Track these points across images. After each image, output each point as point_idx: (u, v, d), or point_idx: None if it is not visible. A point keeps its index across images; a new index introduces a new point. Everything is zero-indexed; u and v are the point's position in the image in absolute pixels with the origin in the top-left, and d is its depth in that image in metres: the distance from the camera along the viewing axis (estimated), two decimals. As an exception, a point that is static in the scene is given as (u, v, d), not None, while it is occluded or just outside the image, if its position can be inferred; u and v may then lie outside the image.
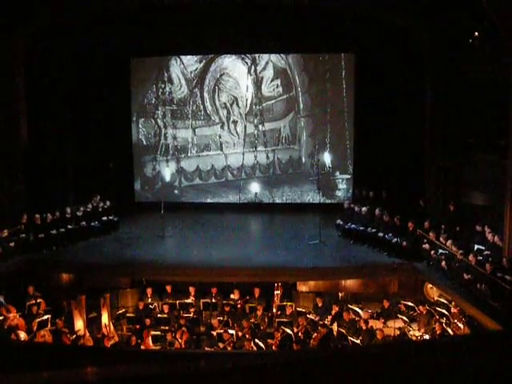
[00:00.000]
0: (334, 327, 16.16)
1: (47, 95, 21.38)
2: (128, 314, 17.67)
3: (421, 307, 16.73)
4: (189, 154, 24.46)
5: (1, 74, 19.33)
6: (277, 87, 23.89)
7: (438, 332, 15.34)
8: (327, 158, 23.46)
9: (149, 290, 18.12)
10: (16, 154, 20.06)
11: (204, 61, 23.97)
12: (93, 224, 20.30)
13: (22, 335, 15.39)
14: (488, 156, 18.36)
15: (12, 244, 17.96)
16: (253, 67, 23.80)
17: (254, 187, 24.20)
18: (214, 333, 16.12)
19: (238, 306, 17.44)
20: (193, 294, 17.87)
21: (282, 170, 24.28)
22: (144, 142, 24.51)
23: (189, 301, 17.65)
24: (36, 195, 20.31)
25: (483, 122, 18.48)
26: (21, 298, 17.32)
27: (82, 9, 20.27)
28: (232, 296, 17.86)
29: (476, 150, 18.73)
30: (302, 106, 23.88)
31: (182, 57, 23.93)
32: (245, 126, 24.11)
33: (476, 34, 17.84)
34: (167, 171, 24.09)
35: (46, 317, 16.28)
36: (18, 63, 19.98)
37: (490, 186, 18.01)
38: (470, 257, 15.16)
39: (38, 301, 17.14)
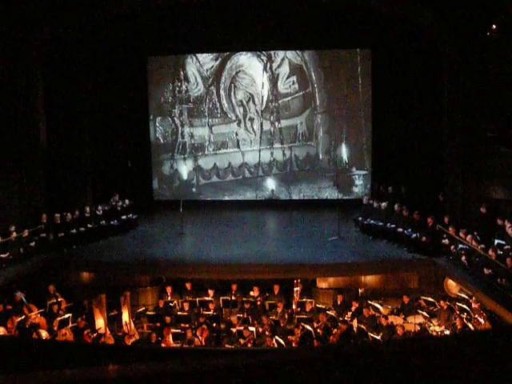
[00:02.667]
0: (354, 323, 16.12)
1: (65, 95, 21.47)
2: (148, 312, 17.71)
3: (441, 302, 16.65)
4: (206, 152, 24.50)
5: (19, 75, 19.41)
6: (293, 84, 23.87)
7: (458, 327, 15.26)
8: (344, 154, 23.43)
9: (169, 288, 18.16)
10: (35, 154, 20.13)
11: (220, 58, 24.02)
12: (112, 223, 20.39)
13: (44, 334, 15.49)
14: (509, 149, 18.21)
15: (32, 244, 18.07)
16: (268, 64, 23.80)
17: (271, 184, 24.19)
18: (234, 330, 16.13)
19: (258, 302, 17.44)
20: (212, 291, 17.90)
21: (298, 166, 24.24)
22: (161, 141, 24.59)
23: (208, 298, 17.68)
24: (55, 195, 20.41)
25: (503, 115, 18.35)
26: (42, 297, 17.44)
27: (100, 9, 20.32)
28: (252, 293, 17.86)
29: (497, 144, 18.58)
30: (318, 102, 23.84)
31: (198, 55, 23.98)
32: (261, 123, 24.11)
33: (494, 26, 17.69)
34: (185, 169, 24.18)
35: (67, 315, 16.36)
36: (36, 63, 20.05)
37: (511, 179, 17.87)
38: (490, 251, 15.06)
39: (59, 300, 17.25)
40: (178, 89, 24.23)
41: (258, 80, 23.91)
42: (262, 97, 23.99)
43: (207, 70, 24.05)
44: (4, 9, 18.06)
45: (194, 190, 24.62)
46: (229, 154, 24.46)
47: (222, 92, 24.14)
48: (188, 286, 18.24)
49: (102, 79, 22.77)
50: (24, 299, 16.83)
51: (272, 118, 23.94)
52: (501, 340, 3.00)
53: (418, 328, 15.76)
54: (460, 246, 16.39)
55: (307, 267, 17.66)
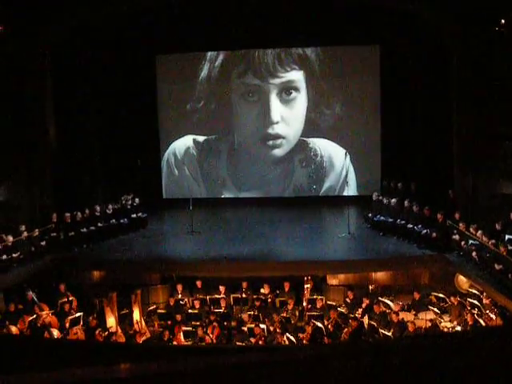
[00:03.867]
0: (365, 320, 16.12)
1: (74, 94, 21.54)
2: (159, 310, 17.74)
3: (452, 298, 16.61)
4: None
5: (28, 74, 19.48)
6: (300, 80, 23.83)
7: (469, 323, 15.22)
8: (353, 150, 23.36)
9: (179, 286, 18.18)
10: (44, 153, 20.21)
11: (229, 56, 23.96)
12: (122, 221, 20.44)
13: (55, 333, 15.55)
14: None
15: (43, 243, 18.14)
16: (276, 61, 23.73)
17: (283, 181, 24.21)
18: (245, 327, 16.15)
19: (269, 300, 17.45)
20: (223, 289, 17.92)
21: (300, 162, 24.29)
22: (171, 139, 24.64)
23: (219, 296, 17.70)
24: (65, 194, 20.48)
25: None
26: (52, 297, 17.50)
27: (108, 7, 20.37)
28: (262, 290, 17.87)
29: (506, 139, 18.51)
30: (325, 99, 23.77)
31: (207, 52, 23.94)
32: (271, 120, 24.05)
33: (502, 21, 17.61)
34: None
35: (78, 314, 16.41)
36: (44, 63, 20.13)
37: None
38: (501, 247, 15.02)
39: (70, 299, 17.30)
40: (187, 87, 24.23)
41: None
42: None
43: (216, 68, 24.01)
44: (13, 9, 18.11)
45: (203, 187, 24.63)
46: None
47: (232, 89, 24.11)
48: (198, 283, 18.25)
49: (111, 78, 22.79)
50: (35, 298, 16.90)
51: (282, 113, 23.90)
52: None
53: (429, 324, 15.74)
54: (470, 241, 16.35)
55: (317, 264, 17.66)
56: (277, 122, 23.68)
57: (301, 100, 23.75)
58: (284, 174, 24.17)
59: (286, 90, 23.64)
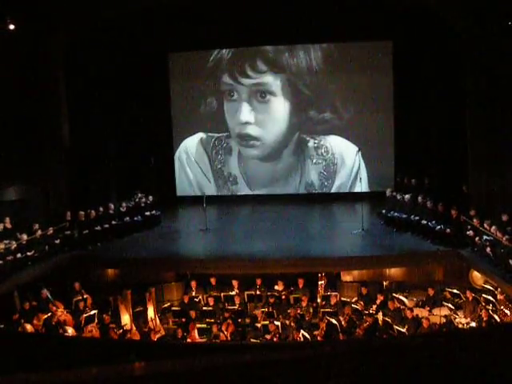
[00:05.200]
0: (380, 316, 16.08)
1: (87, 92, 21.60)
2: (173, 308, 17.79)
3: (467, 294, 16.57)
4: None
5: (41, 73, 19.54)
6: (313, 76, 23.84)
7: (484, 319, 15.17)
8: (367, 146, 23.32)
9: (193, 283, 18.21)
10: (58, 152, 20.29)
11: (241, 53, 23.96)
12: (136, 219, 20.49)
13: (70, 330, 15.62)
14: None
15: (57, 241, 18.21)
16: (290, 57, 23.73)
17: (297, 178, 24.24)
18: (259, 324, 16.16)
19: (283, 297, 17.45)
20: (237, 286, 17.94)
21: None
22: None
23: (233, 293, 17.72)
24: (79, 192, 20.55)
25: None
26: (67, 295, 17.58)
27: (121, 6, 20.41)
28: (276, 287, 17.87)
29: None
30: (338, 95, 23.76)
31: (219, 50, 23.95)
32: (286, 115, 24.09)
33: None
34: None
35: (92, 312, 16.48)
36: (57, 63, 20.20)
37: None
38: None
39: (85, 296, 17.37)
40: (199, 85, 24.26)
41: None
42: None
43: (228, 65, 24.02)
44: (26, 10, 18.17)
45: (215, 185, 24.68)
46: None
47: (245, 86, 24.11)
48: (213, 280, 18.28)
49: (124, 76, 22.86)
50: (50, 296, 16.97)
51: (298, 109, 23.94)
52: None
53: (444, 320, 15.70)
54: (485, 237, 16.28)
55: (331, 261, 17.63)
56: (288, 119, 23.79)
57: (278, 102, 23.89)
58: (295, 171, 24.18)
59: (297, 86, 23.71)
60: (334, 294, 17.32)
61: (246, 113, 23.82)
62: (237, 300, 17.41)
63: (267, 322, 15.87)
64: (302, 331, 15.07)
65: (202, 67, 24.10)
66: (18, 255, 16.70)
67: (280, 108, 23.93)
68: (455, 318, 15.94)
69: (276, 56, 23.69)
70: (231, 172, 24.49)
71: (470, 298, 16.35)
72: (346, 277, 18.59)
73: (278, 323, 15.75)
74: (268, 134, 24.04)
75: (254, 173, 24.44)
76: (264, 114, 23.89)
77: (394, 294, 17.29)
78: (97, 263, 18.99)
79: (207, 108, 24.29)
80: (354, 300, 17.28)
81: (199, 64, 24.16)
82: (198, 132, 24.49)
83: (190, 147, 24.59)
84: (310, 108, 23.85)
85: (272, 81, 23.78)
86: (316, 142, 24.00)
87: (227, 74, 23.88)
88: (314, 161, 24.10)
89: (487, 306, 15.83)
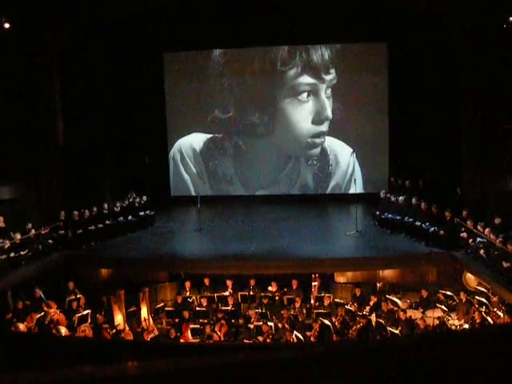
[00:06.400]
0: (373, 318, 16.10)
1: (82, 92, 21.58)
2: (167, 308, 17.78)
3: (460, 296, 16.60)
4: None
5: (36, 72, 19.51)
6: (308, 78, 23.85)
7: (477, 321, 15.20)
8: (360, 148, 23.35)
9: (187, 284, 18.20)
10: (52, 151, 20.26)
11: (236, 53, 23.96)
12: (130, 219, 20.48)
13: (63, 330, 15.59)
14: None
15: (51, 241, 18.18)
16: (285, 59, 23.76)
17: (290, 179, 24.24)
18: (252, 325, 16.16)
19: (276, 298, 17.46)
20: (230, 286, 17.94)
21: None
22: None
23: (227, 294, 17.72)
24: (73, 192, 20.52)
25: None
26: (60, 294, 17.55)
27: (119, 6, 20.40)
28: (270, 288, 17.87)
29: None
30: (333, 97, 23.78)
31: (214, 50, 23.96)
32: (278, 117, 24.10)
33: (511, 18, 17.55)
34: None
35: (86, 312, 16.47)
36: (52, 61, 20.17)
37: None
38: (509, 245, 14.98)
39: (78, 296, 17.35)
40: (194, 85, 24.26)
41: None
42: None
43: (223, 65, 24.03)
44: (20, 8, 18.13)
45: (211, 185, 24.68)
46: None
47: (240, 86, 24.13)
48: (206, 281, 18.27)
49: (119, 75, 22.86)
50: (43, 296, 16.94)
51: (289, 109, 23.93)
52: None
53: (437, 322, 15.72)
54: (478, 239, 16.32)
55: (325, 262, 17.64)
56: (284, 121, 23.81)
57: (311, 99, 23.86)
58: (290, 173, 24.19)
59: (298, 90, 23.72)
60: (327, 295, 17.35)
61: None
62: (230, 301, 17.41)
63: (261, 323, 15.87)
64: (295, 332, 15.07)
65: (197, 67, 24.10)
66: (12, 254, 16.66)
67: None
68: (448, 320, 15.96)
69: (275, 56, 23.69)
70: (225, 172, 24.49)
71: (464, 300, 16.38)
72: (340, 278, 18.61)
73: (271, 324, 15.75)
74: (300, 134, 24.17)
75: (249, 174, 24.44)
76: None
77: (388, 296, 17.30)
78: (90, 263, 18.97)
79: (203, 108, 24.27)
80: (347, 301, 17.30)
81: (195, 64, 24.14)
82: (193, 132, 24.47)
83: (184, 147, 24.58)
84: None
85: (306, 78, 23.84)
86: (312, 143, 24.01)
87: (255, 72, 23.89)
88: (309, 162, 24.12)
89: (480, 308, 15.85)
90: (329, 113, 23.53)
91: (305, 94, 23.65)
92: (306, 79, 23.59)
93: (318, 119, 23.65)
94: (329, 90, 23.54)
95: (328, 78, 23.52)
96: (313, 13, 21.58)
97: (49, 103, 20.13)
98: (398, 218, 19.14)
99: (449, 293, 17.21)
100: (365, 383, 2.50)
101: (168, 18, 21.87)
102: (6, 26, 17.61)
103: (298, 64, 23.59)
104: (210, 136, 24.40)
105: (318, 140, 23.84)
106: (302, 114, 23.74)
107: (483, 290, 16.83)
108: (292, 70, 23.64)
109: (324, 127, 23.72)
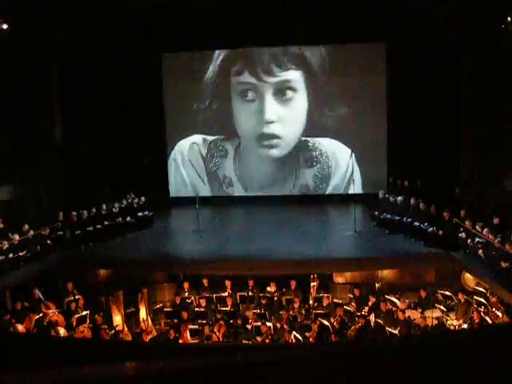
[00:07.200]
0: (372, 318, 16.11)
1: (81, 93, 21.58)
2: (165, 309, 17.78)
3: (459, 296, 16.61)
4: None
5: (35, 72, 19.52)
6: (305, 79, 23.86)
7: (476, 321, 15.21)
8: (359, 148, 23.35)
9: (186, 284, 18.19)
10: (51, 152, 20.27)
11: (234, 54, 23.95)
12: (128, 220, 20.46)
13: (62, 331, 15.59)
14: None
15: (49, 242, 18.16)
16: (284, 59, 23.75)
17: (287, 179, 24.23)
18: (251, 326, 16.15)
19: (275, 298, 17.46)
20: (229, 287, 17.94)
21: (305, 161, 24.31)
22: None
23: (225, 294, 17.71)
24: (71, 192, 20.51)
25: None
26: (59, 295, 17.54)
27: (115, 6, 20.41)
28: (269, 289, 17.87)
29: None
30: (331, 97, 23.77)
31: (213, 51, 23.94)
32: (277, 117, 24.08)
33: (509, 19, 17.56)
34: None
35: (84, 313, 16.46)
36: (51, 62, 20.18)
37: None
38: (507, 245, 14.98)
39: (77, 297, 17.33)
40: (193, 86, 24.24)
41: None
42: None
43: (222, 66, 24.02)
44: (19, 9, 18.14)
45: (209, 186, 24.67)
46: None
47: (231, 88, 24.11)
48: (205, 282, 18.27)
49: (118, 76, 22.86)
50: (42, 297, 16.93)
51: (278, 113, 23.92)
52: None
53: (436, 322, 15.73)
54: (477, 239, 16.31)
55: (324, 262, 17.62)
56: (272, 122, 23.75)
57: (300, 100, 23.79)
58: (290, 174, 24.17)
59: (283, 89, 23.70)
60: (326, 295, 17.35)
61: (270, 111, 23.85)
62: (229, 301, 17.40)
63: (259, 324, 15.87)
64: (294, 333, 15.07)
65: (196, 68, 24.08)
66: (10, 255, 16.64)
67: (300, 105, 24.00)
68: (447, 320, 15.98)
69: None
70: (226, 174, 24.47)
71: (462, 300, 16.39)
72: (339, 278, 18.61)
73: (270, 324, 15.75)
74: (289, 133, 24.07)
75: (250, 175, 24.42)
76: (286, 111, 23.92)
77: (386, 296, 17.29)
78: (89, 264, 18.92)
79: (202, 109, 24.26)
80: (346, 302, 17.30)
81: (194, 65, 24.11)
82: (194, 134, 24.46)
83: (184, 149, 24.55)
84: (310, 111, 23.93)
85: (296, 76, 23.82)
86: (310, 144, 24.00)
87: (247, 72, 23.83)
88: (309, 163, 24.12)
89: (479, 308, 15.86)
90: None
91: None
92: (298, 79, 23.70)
93: (311, 120, 23.75)
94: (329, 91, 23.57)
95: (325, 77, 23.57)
96: (313, 13, 21.55)
97: (47, 104, 20.13)
98: (397, 218, 19.13)
99: (447, 293, 17.22)
100: (365, 383, 2.50)
101: (168, 18, 21.86)
102: (4, 26, 17.62)
103: (292, 65, 23.60)
104: (210, 138, 24.36)
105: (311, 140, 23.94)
106: (293, 115, 23.86)
107: (482, 290, 16.83)
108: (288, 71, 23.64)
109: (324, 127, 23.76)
